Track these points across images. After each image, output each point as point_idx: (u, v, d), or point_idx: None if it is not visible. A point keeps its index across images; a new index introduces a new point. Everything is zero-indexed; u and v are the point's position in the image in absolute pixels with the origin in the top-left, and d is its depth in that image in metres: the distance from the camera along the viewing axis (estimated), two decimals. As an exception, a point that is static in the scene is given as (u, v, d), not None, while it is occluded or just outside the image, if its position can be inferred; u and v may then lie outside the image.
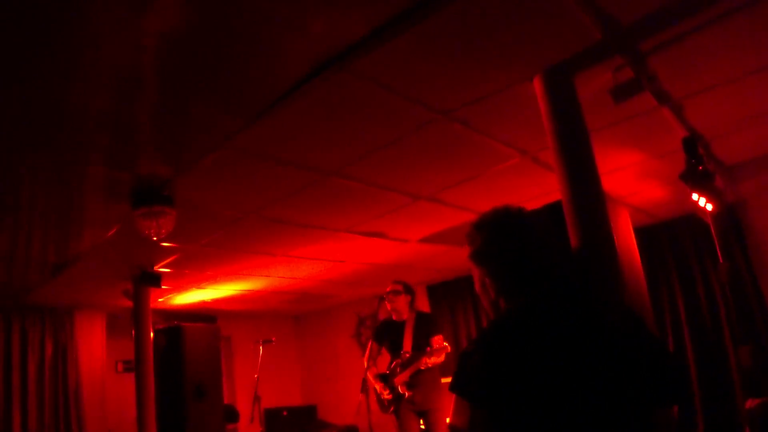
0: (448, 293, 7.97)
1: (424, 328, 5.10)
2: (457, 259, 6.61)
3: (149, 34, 2.26)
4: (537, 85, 2.90)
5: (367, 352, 5.31)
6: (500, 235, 1.67)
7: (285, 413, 8.21)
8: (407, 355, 5.02)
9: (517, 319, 1.54)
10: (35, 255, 4.92)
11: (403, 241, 5.81)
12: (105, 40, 2.27)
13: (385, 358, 5.32)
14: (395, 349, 5.15)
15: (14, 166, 3.31)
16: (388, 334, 5.26)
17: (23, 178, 3.50)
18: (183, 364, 5.74)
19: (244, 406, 7.40)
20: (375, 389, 5.21)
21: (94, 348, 7.04)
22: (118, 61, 2.42)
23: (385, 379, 5.12)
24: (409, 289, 5.24)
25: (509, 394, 1.39)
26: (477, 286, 1.73)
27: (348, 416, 7.82)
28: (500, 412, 1.39)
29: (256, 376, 6.56)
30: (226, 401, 6.58)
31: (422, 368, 4.89)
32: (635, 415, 1.42)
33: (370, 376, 5.15)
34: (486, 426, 1.40)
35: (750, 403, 4.05)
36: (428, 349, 4.85)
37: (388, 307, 5.19)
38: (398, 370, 5.05)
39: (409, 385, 4.94)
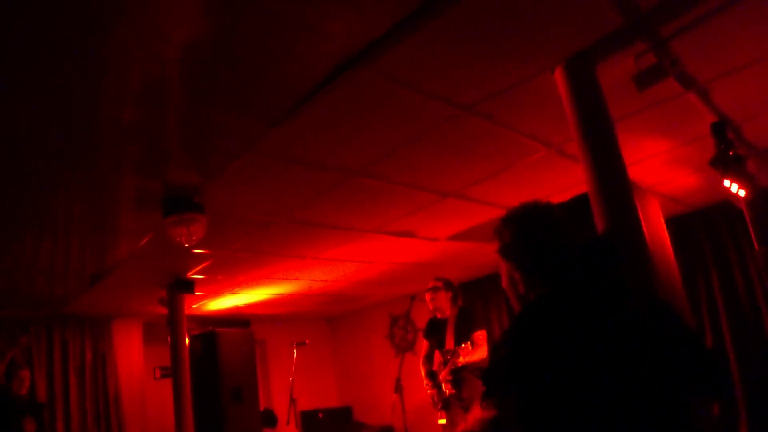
0: (480, 290, 7.93)
1: (466, 323, 4.98)
2: (487, 255, 6.56)
3: (172, 43, 2.31)
4: (559, 76, 2.87)
5: (423, 351, 5.29)
6: (529, 229, 1.68)
7: (321, 415, 8.27)
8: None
9: (540, 310, 1.57)
10: (73, 266, 5.06)
11: (432, 239, 5.80)
12: (130, 52, 2.33)
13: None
14: (440, 347, 5.08)
15: (52, 182, 3.42)
16: (433, 332, 5.20)
17: (60, 194, 3.61)
18: (219, 369, 5.81)
19: (280, 409, 7.46)
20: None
21: (131, 355, 7.19)
22: (143, 72, 2.48)
23: (433, 376, 5.08)
24: (449, 285, 5.11)
25: (535, 383, 1.41)
26: (504, 281, 1.74)
27: (383, 416, 7.84)
28: (528, 401, 1.42)
29: (291, 378, 6.62)
30: (262, 405, 6.64)
31: (458, 366, 4.81)
32: (662, 405, 1.41)
33: (422, 373, 5.13)
34: (516, 415, 1.42)
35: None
36: (456, 348, 4.76)
37: (430, 306, 5.12)
38: (442, 367, 5.01)
39: (453, 382, 4.86)
